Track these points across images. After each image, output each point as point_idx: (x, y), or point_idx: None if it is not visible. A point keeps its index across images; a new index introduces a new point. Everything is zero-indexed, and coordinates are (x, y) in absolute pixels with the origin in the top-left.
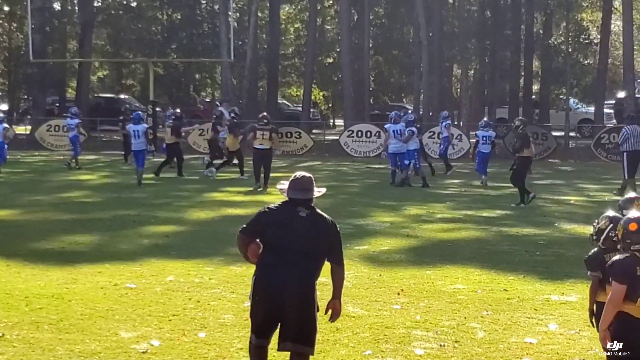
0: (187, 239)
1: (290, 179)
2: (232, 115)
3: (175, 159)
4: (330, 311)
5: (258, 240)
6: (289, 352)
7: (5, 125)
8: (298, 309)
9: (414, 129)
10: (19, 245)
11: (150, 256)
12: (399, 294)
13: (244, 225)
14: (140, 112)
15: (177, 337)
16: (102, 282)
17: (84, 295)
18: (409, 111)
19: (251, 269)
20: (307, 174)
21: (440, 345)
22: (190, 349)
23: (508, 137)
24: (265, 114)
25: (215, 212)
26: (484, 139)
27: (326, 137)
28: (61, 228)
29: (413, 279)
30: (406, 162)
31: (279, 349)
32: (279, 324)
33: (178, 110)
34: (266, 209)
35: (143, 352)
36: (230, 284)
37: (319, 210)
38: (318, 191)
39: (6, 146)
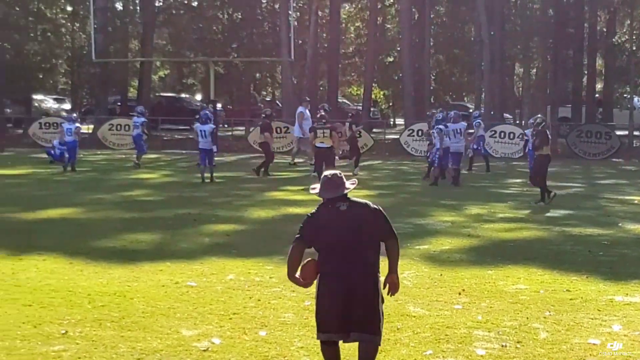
0: (248, 237)
1: (321, 180)
2: (322, 112)
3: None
4: (388, 285)
5: (309, 259)
6: (355, 344)
7: (78, 124)
8: (364, 299)
9: (441, 126)
10: (81, 244)
11: (211, 255)
12: (460, 293)
13: (297, 235)
14: (207, 112)
15: (237, 336)
16: (163, 280)
17: (145, 293)
18: (438, 110)
19: None
20: (336, 171)
21: (502, 346)
22: (251, 348)
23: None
24: (323, 113)
25: (276, 211)
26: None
27: (386, 136)
28: (123, 226)
29: (474, 279)
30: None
31: (347, 341)
32: (347, 316)
33: (268, 110)
34: (310, 215)
35: (204, 350)
36: (290, 283)
37: (356, 199)
38: (351, 183)
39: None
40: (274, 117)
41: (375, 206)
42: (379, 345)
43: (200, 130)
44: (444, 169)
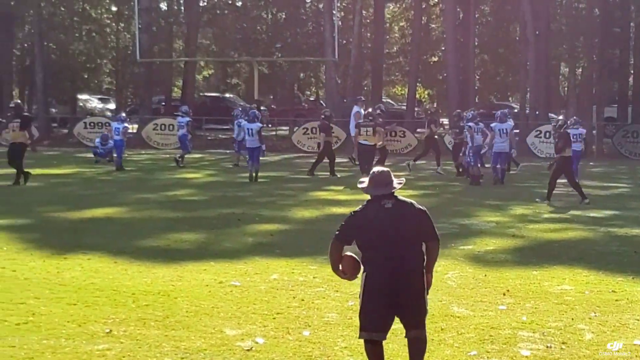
0: (292, 237)
1: (370, 176)
2: (378, 112)
3: (327, 158)
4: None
5: (350, 252)
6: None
7: (126, 124)
8: (411, 298)
9: (471, 124)
10: (125, 243)
11: (255, 254)
12: (504, 294)
13: (336, 232)
14: (255, 111)
15: (281, 335)
16: (207, 279)
17: (189, 292)
18: (471, 110)
19: None
20: (385, 169)
21: (547, 347)
22: (295, 347)
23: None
24: (370, 110)
25: (320, 211)
26: (575, 137)
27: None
28: (167, 226)
29: (519, 280)
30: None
31: (406, 336)
32: (394, 315)
33: (328, 110)
34: (353, 213)
35: (248, 350)
36: (334, 283)
37: (401, 198)
38: (398, 182)
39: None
40: (334, 117)
41: (420, 207)
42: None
43: (248, 129)
44: (465, 166)
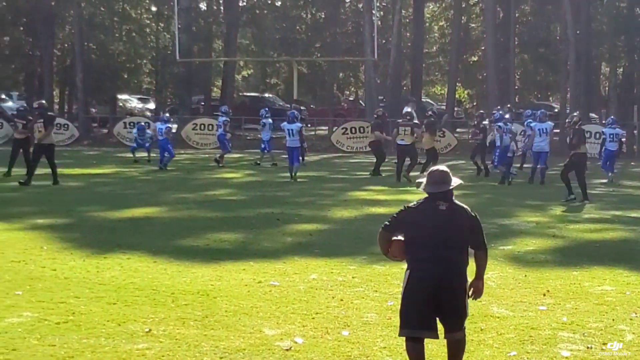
0: (331, 237)
1: (427, 174)
2: (430, 112)
3: (377, 158)
4: (472, 290)
5: (401, 237)
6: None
7: (170, 125)
8: (453, 299)
9: (500, 124)
10: (165, 242)
11: (294, 254)
12: (544, 294)
13: (386, 222)
14: (295, 111)
15: (320, 335)
16: (246, 279)
17: (228, 292)
18: (499, 110)
19: (394, 268)
20: (444, 168)
21: (588, 348)
22: (334, 347)
23: None
24: (409, 110)
25: (359, 211)
26: (611, 136)
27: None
28: (206, 225)
29: (559, 280)
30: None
31: (445, 337)
32: (435, 314)
33: (381, 110)
34: (407, 207)
35: (287, 350)
36: (373, 283)
37: (457, 202)
38: (455, 182)
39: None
40: (387, 117)
41: (473, 213)
42: (464, 338)
43: (288, 129)
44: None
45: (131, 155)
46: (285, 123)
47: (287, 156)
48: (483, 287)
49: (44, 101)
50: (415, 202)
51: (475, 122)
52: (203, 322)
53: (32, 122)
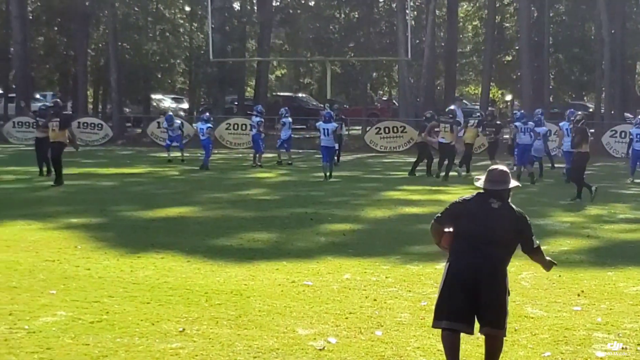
0: (364, 237)
1: (487, 172)
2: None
3: (423, 158)
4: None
5: (451, 229)
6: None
7: (210, 125)
8: (490, 294)
9: (517, 123)
10: (198, 242)
11: (327, 254)
12: (579, 295)
13: (438, 215)
14: (330, 112)
15: (353, 335)
16: (279, 279)
17: (262, 291)
18: (519, 110)
19: (428, 268)
20: (503, 167)
21: (623, 348)
22: (367, 347)
23: None
24: (452, 107)
25: (392, 211)
26: (638, 136)
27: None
28: (239, 225)
29: (594, 280)
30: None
31: (480, 333)
32: (474, 310)
33: (430, 112)
34: (460, 200)
35: (320, 350)
36: (406, 283)
37: (510, 203)
38: (513, 183)
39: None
40: (436, 119)
41: (525, 216)
42: (505, 337)
43: (323, 129)
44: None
45: (165, 155)
46: (320, 122)
47: (320, 156)
48: (550, 264)
49: (58, 99)
50: (468, 196)
51: (487, 121)
52: (236, 322)
53: (47, 121)
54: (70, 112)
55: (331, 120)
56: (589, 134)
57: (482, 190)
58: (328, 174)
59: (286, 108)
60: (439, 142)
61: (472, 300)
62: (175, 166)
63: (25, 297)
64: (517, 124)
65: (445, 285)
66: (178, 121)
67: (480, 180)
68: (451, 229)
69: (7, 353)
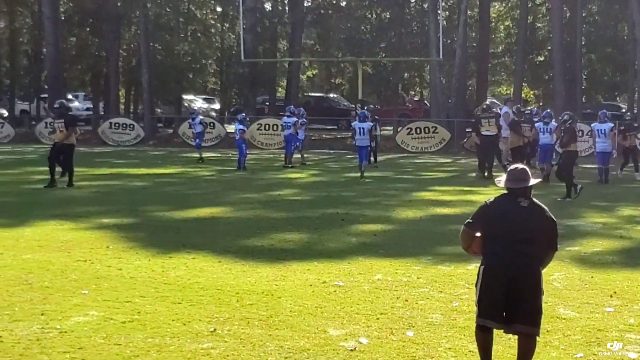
0: (395, 237)
1: (507, 172)
2: (514, 112)
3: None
4: None
5: (481, 233)
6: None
7: (242, 127)
8: (526, 292)
9: (539, 124)
10: (229, 242)
11: (358, 254)
12: (611, 296)
13: (469, 220)
14: (365, 111)
15: (384, 336)
16: (310, 279)
17: (293, 292)
18: (545, 110)
19: (459, 269)
20: (522, 166)
21: None
22: (398, 348)
23: None
24: (488, 103)
25: (424, 212)
26: None
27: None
28: (271, 225)
29: (626, 281)
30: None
31: (506, 331)
32: (509, 308)
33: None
34: (487, 203)
35: (351, 350)
36: (438, 284)
37: (537, 201)
38: (533, 180)
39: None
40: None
41: (551, 215)
42: (538, 336)
43: (359, 128)
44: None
45: (197, 155)
46: (356, 122)
47: (353, 156)
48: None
49: (64, 100)
50: (494, 198)
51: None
52: (267, 322)
53: (53, 122)
54: (74, 114)
55: (366, 119)
56: (577, 134)
57: (505, 191)
58: (362, 172)
59: (291, 107)
60: (484, 135)
61: (507, 299)
62: (207, 166)
63: (58, 297)
64: (538, 124)
65: (482, 287)
66: (200, 117)
67: (502, 181)
68: (479, 234)
69: (40, 353)
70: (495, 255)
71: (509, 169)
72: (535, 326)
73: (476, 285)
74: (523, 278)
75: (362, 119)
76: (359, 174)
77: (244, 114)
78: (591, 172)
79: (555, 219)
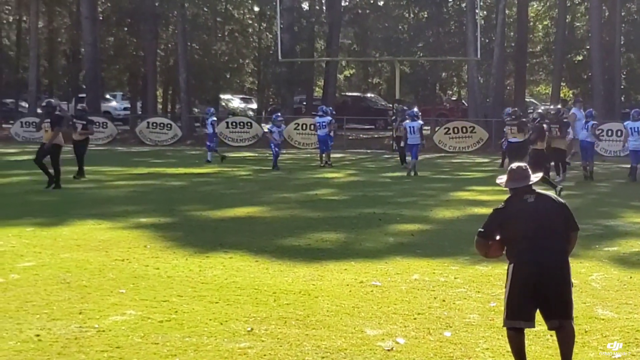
0: (433, 237)
1: (508, 172)
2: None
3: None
4: None
5: (499, 237)
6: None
7: (275, 129)
8: (558, 287)
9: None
10: (266, 242)
11: (396, 254)
12: None
13: (480, 229)
14: (415, 110)
15: (422, 336)
16: (347, 279)
17: (330, 292)
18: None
19: (497, 269)
20: (522, 164)
21: None
22: (435, 348)
23: None
24: (515, 109)
25: (461, 212)
26: None
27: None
28: (308, 225)
29: None
30: None
31: (549, 328)
32: (539, 305)
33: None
34: (497, 209)
35: (388, 350)
36: (475, 284)
37: (541, 191)
38: (535, 177)
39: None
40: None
41: (560, 199)
42: (572, 325)
43: (409, 127)
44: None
45: (233, 155)
46: (407, 121)
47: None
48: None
49: (52, 100)
50: (502, 203)
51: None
52: (304, 322)
53: (40, 122)
54: (61, 114)
55: (416, 118)
56: (546, 132)
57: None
58: (414, 170)
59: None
60: (509, 142)
61: (539, 296)
62: (244, 166)
63: (95, 296)
64: (589, 122)
65: (511, 289)
66: (214, 118)
67: (503, 181)
68: (495, 239)
69: (77, 352)
70: (520, 255)
71: (509, 170)
72: (571, 318)
73: (505, 286)
74: (552, 273)
75: (413, 117)
76: (405, 173)
77: (278, 114)
78: (625, 171)
79: (564, 201)
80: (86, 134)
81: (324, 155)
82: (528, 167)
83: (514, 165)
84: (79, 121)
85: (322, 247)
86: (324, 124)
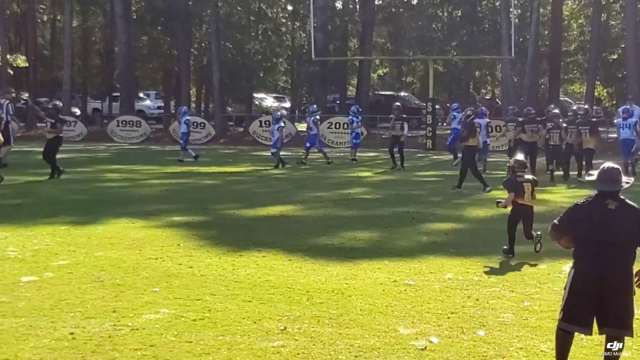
0: (466, 236)
1: (599, 171)
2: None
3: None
4: (637, 277)
5: (570, 234)
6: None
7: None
8: (617, 297)
9: (619, 119)
10: (300, 241)
11: (429, 253)
12: None
13: (555, 222)
14: (483, 108)
15: (455, 335)
16: (381, 278)
17: (363, 290)
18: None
19: (531, 269)
20: (615, 165)
21: None
22: (469, 347)
23: None
24: (627, 107)
25: (495, 210)
26: None
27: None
28: (341, 224)
29: None
30: None
31: (600, 333)
32: (599, 313)
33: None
34: (575, 205)
35: (422, 349)
36: (509, 283)
37: (628, 201)
38: (626, 182)
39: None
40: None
41: None
42: (631, 337)
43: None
44: None
45: (268, 154)
46: (476, 119)
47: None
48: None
49: (57, 103)
50: (584, 199)
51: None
52: (338, 321)
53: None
54: (63, 117)
55: (483, 116)
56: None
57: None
58: (483, 164)
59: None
60: (524, 142)
61: (597, 303)
62: (271, 164)
63: (129, 294)
64: (617, 120)
65: (570, 292)
66: (187, 117)
67: (593, 178)
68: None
69: (111, 350)
70: (583, 260)
71: (600, 169)
72: (623, 328)
73: (565, 288)
74: (613, 284)
75: (479, 115)
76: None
77: (314, 106)
78: None
79: None
80: (54, 133)
81: (351, 151)
82: (621, 171)
83: (607, 165)
84: (49, 119)
85: (356, 246)
86: (357, 122)
